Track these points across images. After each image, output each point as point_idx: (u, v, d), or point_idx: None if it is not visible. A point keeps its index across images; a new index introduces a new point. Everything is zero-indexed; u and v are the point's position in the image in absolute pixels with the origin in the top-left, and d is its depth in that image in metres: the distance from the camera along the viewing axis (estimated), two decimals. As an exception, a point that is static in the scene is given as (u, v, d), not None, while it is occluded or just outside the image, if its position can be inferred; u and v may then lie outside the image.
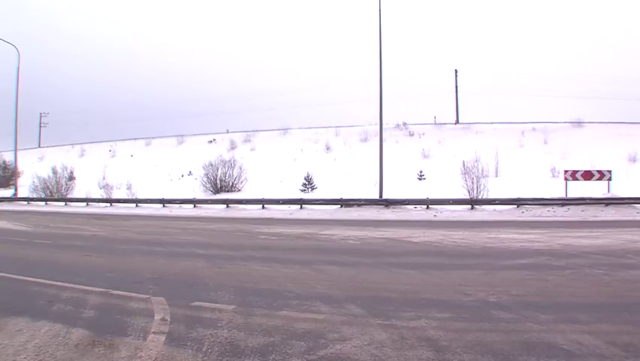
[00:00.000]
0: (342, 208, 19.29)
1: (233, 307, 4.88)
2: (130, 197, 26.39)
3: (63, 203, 27.00)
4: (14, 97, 30.53)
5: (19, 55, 30.25)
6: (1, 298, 5.32)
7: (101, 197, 27.16)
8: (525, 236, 9.77)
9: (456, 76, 42.52)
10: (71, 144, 54.14)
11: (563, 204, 16.65)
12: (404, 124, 40.05)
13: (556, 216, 15.16)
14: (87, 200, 26.38)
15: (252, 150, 39.64)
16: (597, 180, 17.77)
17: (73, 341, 3.77)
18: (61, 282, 5.93)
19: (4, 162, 39.68)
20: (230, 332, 4.08)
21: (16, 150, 31.38)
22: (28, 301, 5.07)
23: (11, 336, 3.88)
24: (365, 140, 36.64)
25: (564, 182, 17.96)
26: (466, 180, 19.60)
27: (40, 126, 63.57)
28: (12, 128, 31.09)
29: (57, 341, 3.79)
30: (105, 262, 7.64)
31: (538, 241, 8.94)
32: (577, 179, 17.89)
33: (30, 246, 9.66)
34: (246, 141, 42.65)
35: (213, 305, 4.95)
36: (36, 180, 30.10)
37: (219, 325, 4.30)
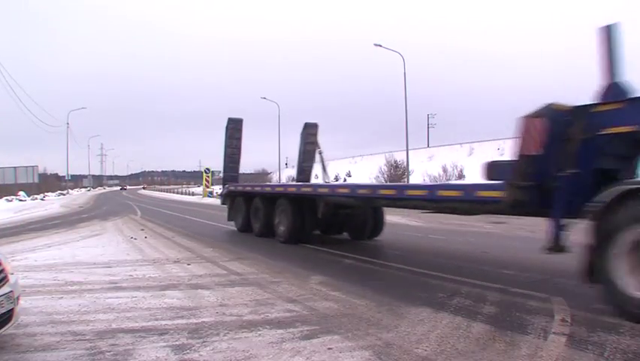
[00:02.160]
0: None
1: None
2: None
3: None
4: (403, 100, 33.36)
5: (404, 61, 32.95)
6: (404, 288, 5.92)
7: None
8: None
9: None
10: (459, 143, 58.34)
11: None
12: None
13: None
14: (478, 197, 27.49)
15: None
16: None
17: (474, 335, 4.00)
18: (460, 276, 6.33)
19: (395, 161, 46.44)
20: (633, 340, 3.74)
21: (407, 150, 34.73)
22: (429, 294, 5.55)
23: (414, 325, 4.31)
24: None
25: None
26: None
27: (428, 127, 71.44)
28: (403, 129, 34.17)
29: (458, 333, 4.07)
30: (501, 259, 7.85)
31: None
32: None
33: (426, 240, 10.59)
34: None
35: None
36: (427, 179, 33.84)
37: (621, 331, 3.96)
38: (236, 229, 12.83)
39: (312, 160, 15.07)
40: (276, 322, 4.47)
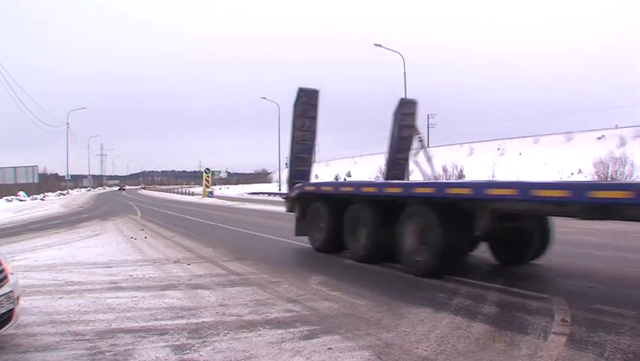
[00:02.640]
0: None
1: (636, 313, 4.47)
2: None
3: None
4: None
5: (404, 61, 33.23)
6: (404, 289, 5.93)
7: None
8: None
9: None
10: (459, 144, 58.45)
11: None
12: None
13: None
14: (478, 197, 27.49)
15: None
16: None
17: (474, 335, 4.00)
18: (459, 277, 6.29)
19: (395, 160, 46.29)
20: (633, 340, 3.76)
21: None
22: (428, 294, 5.54)
23: (414, 325, 4.31)
24: None
25: None
26: None
27: (428, 127, 71.30)
28: None
29: (458, 333, 4.06)
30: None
31: None
32: None
33: None
34: (637, 136, 37.66)
35: (614, 309, 4.59)
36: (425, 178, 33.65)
37: (621, 331, 3.96)
38: (313, 247, 9.04)
39: (409, 150, 11.20)
40: (276, 322, 4.47)
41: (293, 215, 9.81)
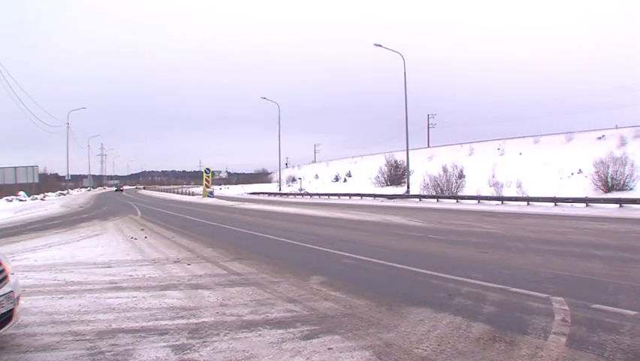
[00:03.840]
0: None
1: (635, 313, 4.46)
2: (520, 195, 26.60)
3: (454, 200, 28.69)
4: (404, 101, 33.94)
5: (404, 61, 33.26)
6: (404, 288, 5.95)
7: (491, 195, 27.82)
8: None
9: None
10: (460, 144, 58.48)
11: None
12: None
13: None
14: (478, 198, 27.43)
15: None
16: None
17: (474, 335, 3.99)
18: (460, 277, 6.31)
19: (395, 161, 46.19)
20: (634, 340, 3.75)
21: (407, 150, 34.90)
22: (429, 294, 5.55)
23: (414, 325, 4.30)
24: None
25: None
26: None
27: (428, 127, 71.43)
28: (403, 130, 34.50)
29: (458, 333, 4.05)
30: (501, 259, 7.85)
31: None
32: None
33: (426, 241, 10.57)
34: (637, 136, 37.86)
35: (614, 309, 4.60)
36: (426, 178, 33.67)
37: (621, 331, 3.97)
38: None
39: None
40: (276, 322, 4.47)
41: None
